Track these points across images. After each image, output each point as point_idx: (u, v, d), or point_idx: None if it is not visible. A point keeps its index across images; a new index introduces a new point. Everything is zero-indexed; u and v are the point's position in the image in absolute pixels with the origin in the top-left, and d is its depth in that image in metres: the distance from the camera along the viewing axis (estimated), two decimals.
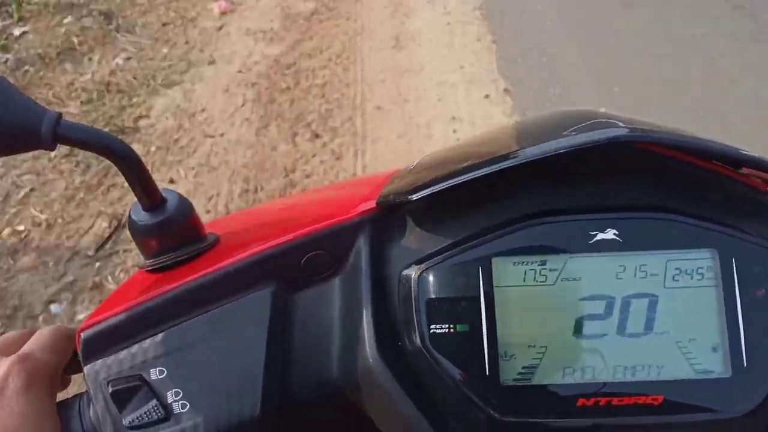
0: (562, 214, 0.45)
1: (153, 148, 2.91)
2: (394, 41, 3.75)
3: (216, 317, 0.47)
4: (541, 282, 0.44)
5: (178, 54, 3.63)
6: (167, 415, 0.45)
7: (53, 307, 2.18)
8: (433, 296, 0.45)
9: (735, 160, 0.44)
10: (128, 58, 3.58)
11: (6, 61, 3.44)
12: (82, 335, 0.47)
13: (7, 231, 2.47)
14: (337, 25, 3.92)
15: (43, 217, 2.54)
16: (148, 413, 0.45)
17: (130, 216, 0.51)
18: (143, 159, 0.49)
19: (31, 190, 2.68)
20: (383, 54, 3.63)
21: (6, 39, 3.61)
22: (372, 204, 0.48)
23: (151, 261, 0.51)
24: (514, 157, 0.41)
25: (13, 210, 2.57)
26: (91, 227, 2.51)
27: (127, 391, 0.46)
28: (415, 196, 0.44)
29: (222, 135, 3.00)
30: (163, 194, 0.50)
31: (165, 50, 3.67)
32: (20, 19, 3.79)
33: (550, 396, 0.43)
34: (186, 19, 3.98)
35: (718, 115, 2.88)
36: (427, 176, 0.45)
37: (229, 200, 2.61)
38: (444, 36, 3.77)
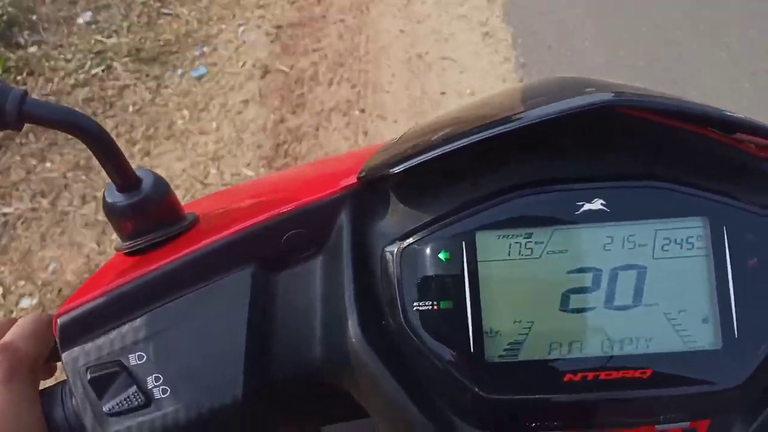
0: (547, 184, 0.43)
1: None
2: None
3: (195, 299, 0.46)
4: (526, 255, 0.43)
5: None
6: (147, 401, 0.45)
7: None
8: (415, 273, 0.44)
9: (729, 125, 0.42)
10: None
11: None
12: (59, 321, 0.46)
13: None
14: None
15: None
16: (128, 400, 0.44)
17: (104, 197, 0.49)
18: None
19: None
20: None
21: None
22: (353, 179, 0.46)
23: (128, 243, 0.49)
24: (496, 127, 0.40)
25: None
26: None
27: (106, 378, 0.45)
28: (395, 169, 0.42)
29: None
30: (138, 173, 0.49)
31: None
32: None
33: (537, 372, 0.42)
34: None
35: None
36: (409, 149, 0.44)
37: None
38: None
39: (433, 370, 0.43)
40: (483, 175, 0.45)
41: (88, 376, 0.45)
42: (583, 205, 0.42)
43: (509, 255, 0.43)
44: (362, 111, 2.95)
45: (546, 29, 3.33)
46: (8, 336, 0.48)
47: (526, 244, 0.43)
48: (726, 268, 0.42)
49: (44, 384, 0.50)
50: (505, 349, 0.43)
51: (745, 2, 3.42)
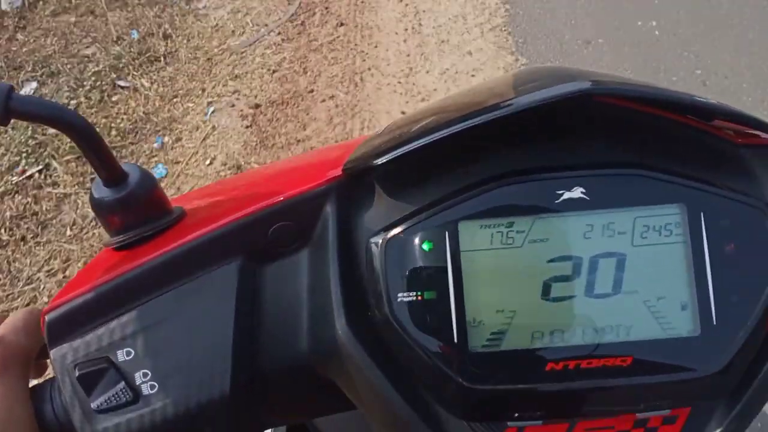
0: (528, 174, 0.44)
1: None
2: None
3: (182, 294, 0.47)
4: (508, 245, 0.44)
5: None
6: (136, 397, 0.45)
7: None
8: (400, 263, 0.44)
9: (707, 112, 0.43)
10: None
11: None
12: (47, 318, 0.46)
13: None
14: None
15: None
16: (116, 396, 0.45)
17: (91, 193, 0.49)
18: None
19: None
20: None
21: None
22: (338, 171, 0.47)
23: (115, 238, 0.50)
24: (475, 117, 0.40)
25: None
26: None
27: (95, 374, 0.45)
28: (379, 161, 0.43)
29: None
30: (125, 168, 0.49)
31: None
32: None
33: (520, 361, 0.43)
34: None
35: None
36: (393, 140, 0.44)
37: None
38: None
39: (417, 361, 0.44)
40: (465, 165, 0.45)
41: (77, 373, 0.45)
42: (563, 193, 0.43)
43: (491, 244, 0.44)
44: None
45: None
46: (0, 330, 0.47)
47: (507, 233, 0.43)
48: (704, 254, 0.42)
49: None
50: (488, 339, 0.43)
51: None
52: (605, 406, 0.44)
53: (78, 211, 2.47)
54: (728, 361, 0.42)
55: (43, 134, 2.73)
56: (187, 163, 2.63)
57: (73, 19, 3.32)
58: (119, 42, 3.20)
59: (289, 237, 0.48)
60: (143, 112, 2.86)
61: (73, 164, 2.61)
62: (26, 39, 3.19)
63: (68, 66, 3.03)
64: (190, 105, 2.96)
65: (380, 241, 0.45)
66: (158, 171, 2.63)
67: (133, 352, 0.45)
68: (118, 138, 2.78)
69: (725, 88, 2.87)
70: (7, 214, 2.45)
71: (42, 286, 2.24)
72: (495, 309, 0.43)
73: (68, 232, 2.42)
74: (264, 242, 0.48)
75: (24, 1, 3.43)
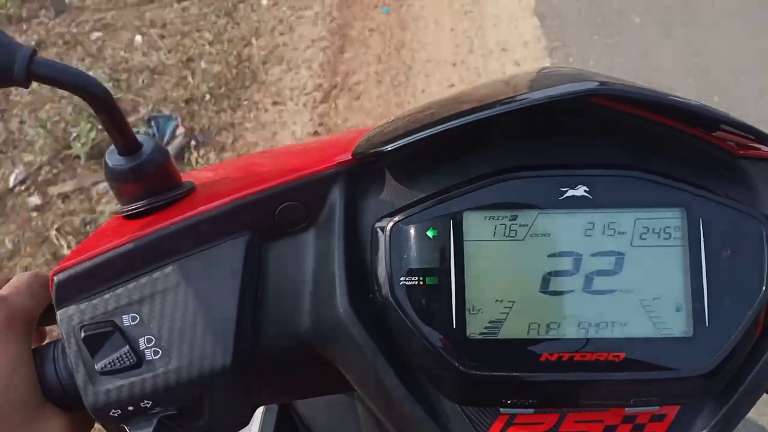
0: (534, 169, 0.45)
1: None
2: None
3: (189, 265, 0.48)
4: (510, 237, 0.45)
5: None
6: (139, 361, 0.46)
7: None
8: (403, 248, 0.45)
9: (711, 121, 0.44)
10: None
11: None
12: (56, 278, 0.47)
13: None
14: None
15: None
16: (120, 359, 0.46)
17: (105, 161, 0.50)
18: None
19: None
20: None
21: None
22: (348, 156, 0.48)
23: (126, 207, 0.51)
24: (487, 110, 0.41)
25: None
26: None
27: (100, 337, 0.46)
28: (388, 147, 0.44)
29: None
30: (139, 140, 0.50)
31: None
32: None
33: (515, 350, 0.44)
34: None
35: None
36: (403, 128, 0.45)
37: None
38: None
39: (416, 344, 0.45)
40: (473, 157, 0.46)
41: (82, 335, 0.46)
42: (567, 191, 0.44)
43: (494, 236, 0.45)
44: None
45: None
46: (4, 290, 0.49)
47: (510, 226, 0.44)
48: (700, 258, 0.44)
49: None
50: (486, 327, 0.44)
51: None
52: (596, 399, 0.45)
53: None
54: (718, 364, 0.43)
55: None
56: None
57: None
58: None
59: (296, 217, 0.49)
60: None
61: None
62: None
63: None
64: None
65: (386, 225, 0.46)
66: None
67: (138, 317, 0.46)
68: None
69: None
70: None
71: None
72: (494, 298, 0.45)
73: None
74: (271, 220, 0.49)
75: None
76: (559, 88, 0.40)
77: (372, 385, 0.46)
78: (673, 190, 0.44)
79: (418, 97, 3.10)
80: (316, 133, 2.96)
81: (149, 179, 0.50)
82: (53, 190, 2.74)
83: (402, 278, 0.45)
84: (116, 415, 0.46)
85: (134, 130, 0.49)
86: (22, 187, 2.76)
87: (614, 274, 0.44)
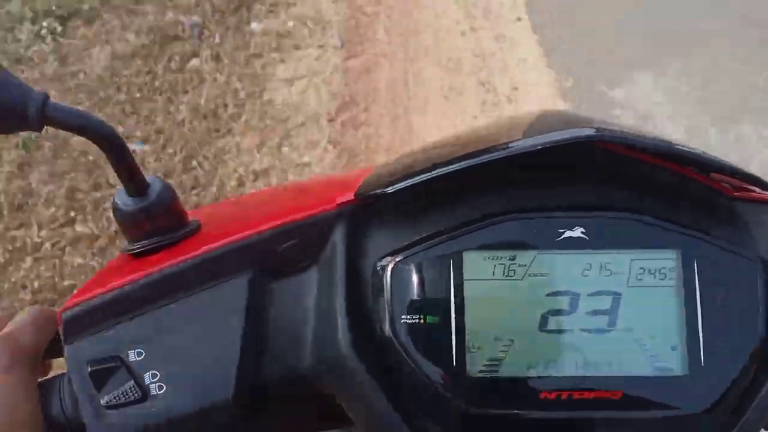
0: (532, 211, 0.46)
1: None
2: None
3: (194, 302, 0.49)
4: (509, 277, 0.46)
5: None
6: (144, 395, 0.46)
7: None
8: (405, 287, 0.46)
9: (705, 166, 0.45)
10: None
11: None
12: (64, 315, 0.48)
13: None
14: None
15: None
16: (125, 393, 0.46)
17: (114, 201, 0.52)
18: None
19: None
20: None
21: None
22: (350, 196, 0.49)
23: (133, 245, 0.52)
24: (487, 155, 0.43)
25: None
26: None
27: (106, 372, 0.47)
28: (390, 189, 0.45)
29: None
30: (148, 180, 0.51)
31: None
32: None
33: (515, 389, 0.45)
34: None
35: None
36: (405, 170, 0.47)
37: None
38: None
39: (416, 382, 0.46)
40: (473, 198, 0.48)
41: (89, 369, 0.47)
42: (564, 232, 0.45)
43: (494, 275, 0.46)
44: None
45: None
46: (9, 327, 0.49)
47: (509, 266, 0.46)
48: (695, 299, 0.45)
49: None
50: (485, 365, 0.45)
51: None
52: None
53: None
54: (714, 402, 0.44)
55: None
56: None
57: None
58: None
59: (299, 255, 0.50)
60: None
61: None
62: None
63: None
64: None
65: (388, 264, 0.47)
66: None
67: (144, 353, 0.47)
68: None
69: None
70: None
71: None
72: (494, 337, 0.45)
73: None
74: (274, 259, 0.50)
75: None
76: (558, 134, 0.42)
77: (372, 421, 0.47)
78: (667, 233, 0.45)
79: None
80: None
81: (156, 219, 0.51)
82: None
83: (403, 316, 0.46)
84: None
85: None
86: None
87: (611, 314, 0.45)
